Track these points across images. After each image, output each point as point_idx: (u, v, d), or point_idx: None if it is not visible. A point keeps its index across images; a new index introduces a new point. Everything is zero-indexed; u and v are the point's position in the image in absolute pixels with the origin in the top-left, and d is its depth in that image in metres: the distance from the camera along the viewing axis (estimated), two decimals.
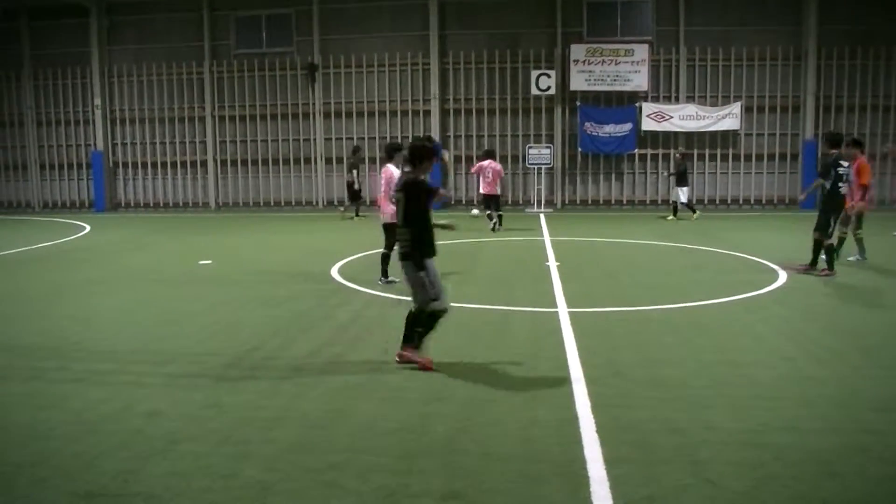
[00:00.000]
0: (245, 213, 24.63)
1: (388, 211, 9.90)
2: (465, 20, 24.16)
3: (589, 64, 23.25)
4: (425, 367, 6.26)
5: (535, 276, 11.13)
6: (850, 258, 12.04)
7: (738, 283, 10.28)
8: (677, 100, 23.56)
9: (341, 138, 24.97)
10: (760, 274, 11.00)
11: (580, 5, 23.71)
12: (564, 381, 6.02)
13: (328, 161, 25.08)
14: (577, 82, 23.33)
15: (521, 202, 24.11)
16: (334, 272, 11.59)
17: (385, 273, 10.37)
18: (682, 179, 19.85)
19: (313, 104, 24.93)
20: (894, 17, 22.34)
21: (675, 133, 23.37)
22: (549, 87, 23.34)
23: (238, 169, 25.61)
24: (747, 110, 23.23)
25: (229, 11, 25.12)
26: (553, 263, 12.19)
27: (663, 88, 23.65)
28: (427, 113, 24.31)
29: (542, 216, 21.32)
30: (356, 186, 21.13)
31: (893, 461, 4.46)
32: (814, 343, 7.19)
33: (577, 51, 23.24)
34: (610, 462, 4.43)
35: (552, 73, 23.37)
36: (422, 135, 24.15)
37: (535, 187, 23.47)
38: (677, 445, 4.69)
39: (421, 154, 6.39)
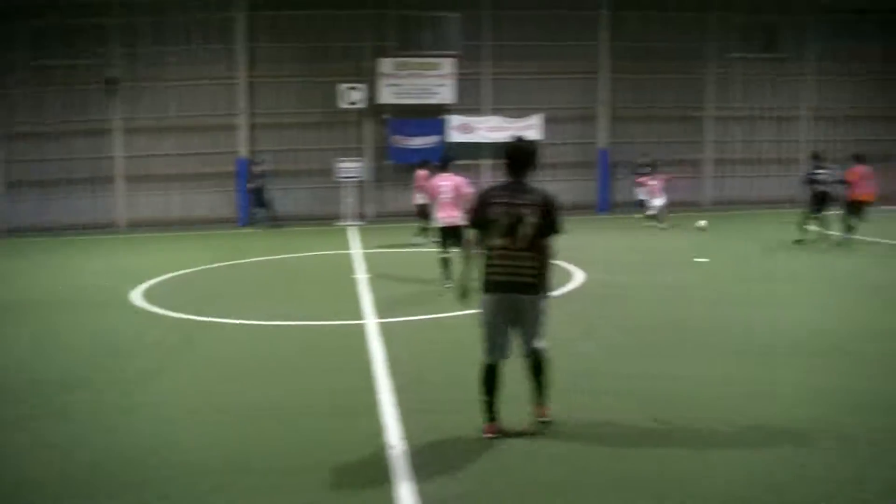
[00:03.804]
0: (35, 237, 22.68)
1: (450, 215, 10.67)
2: (275, 33, 23.74)
3: (398, 77, 23.60)
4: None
5: (343, 289, 11.12)
6: None
7: None
8: (483, 112, 24.44)
9: (144, 156, 23.62)
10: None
11: (390, 20, 24.01)
12: (370, 391, 6.09)
13: (129, 180, 23.65)
14: (386, 95, 23.60)
15: (331, 216, 23.83)
16: (135, 296, 11.01)
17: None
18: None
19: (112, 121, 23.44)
20: (671, 36, 24.57)
21: (482, 144, 24.09)
22: (358, 101, 23.39)
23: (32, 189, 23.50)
24: (548, 121, 24.41)
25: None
26: (363, 276, 12.24)
27: (470, 101, 24.41)
28: (234, 128, 23.63)
29: (352, 229, 21.30)
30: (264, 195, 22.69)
31: None
32: (606, 337, 7.73)
33: (386, 64, 23.52)
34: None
35: (362, 86, 23.43)
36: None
37: (346, 200, 23.34)
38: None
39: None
